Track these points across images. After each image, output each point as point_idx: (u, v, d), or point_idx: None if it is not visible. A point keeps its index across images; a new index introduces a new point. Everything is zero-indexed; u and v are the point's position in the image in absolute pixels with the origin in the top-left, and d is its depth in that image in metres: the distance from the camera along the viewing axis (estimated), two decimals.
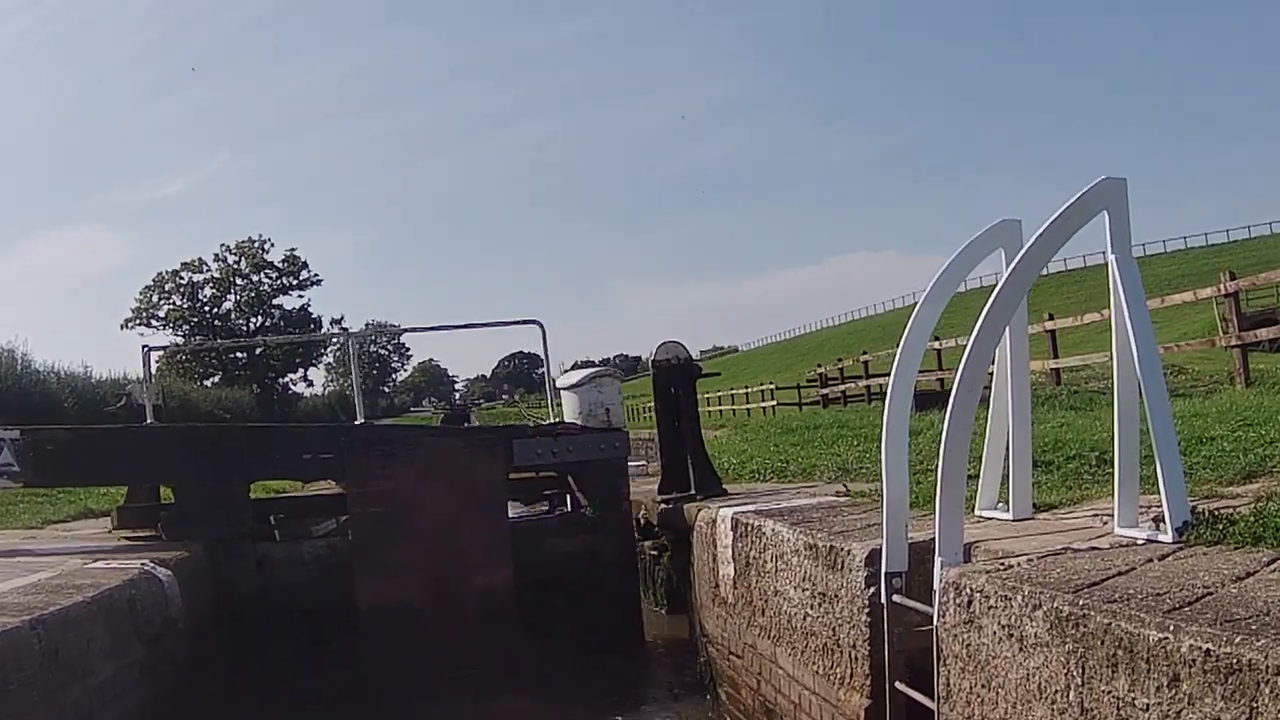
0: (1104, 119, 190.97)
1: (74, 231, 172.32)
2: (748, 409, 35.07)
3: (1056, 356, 15.59)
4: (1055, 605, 2.87)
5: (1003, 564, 3.43)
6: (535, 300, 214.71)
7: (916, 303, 4.26)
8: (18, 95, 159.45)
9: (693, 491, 8.42)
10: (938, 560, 3.52)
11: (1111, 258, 3.65)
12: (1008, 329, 3.98)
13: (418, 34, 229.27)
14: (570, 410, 9.17)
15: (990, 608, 3.15)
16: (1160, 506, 3.92)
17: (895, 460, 3.90)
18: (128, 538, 7.54)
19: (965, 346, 3.66)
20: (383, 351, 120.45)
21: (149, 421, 7.93)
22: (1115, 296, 3.66)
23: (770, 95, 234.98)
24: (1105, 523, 4.16)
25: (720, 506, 6.35)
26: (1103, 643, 2.69)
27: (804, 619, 4.66)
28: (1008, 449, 4.42)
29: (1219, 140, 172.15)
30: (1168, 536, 3.56)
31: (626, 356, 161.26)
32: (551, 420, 8.90)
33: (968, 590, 3.27)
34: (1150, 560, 3.30)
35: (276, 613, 7.13)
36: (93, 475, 8.05)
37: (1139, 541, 3.65)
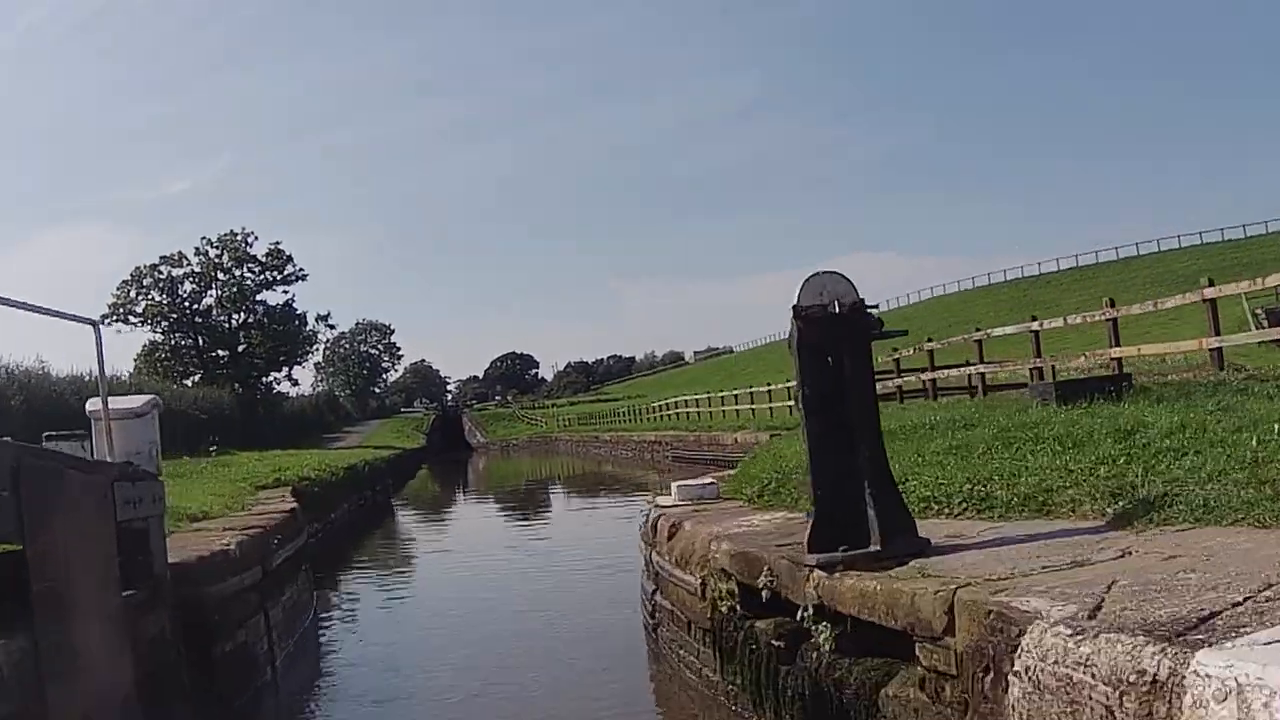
0: (1101, 118, 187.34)
1: (79, 229, 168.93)
2: (769, 408, 31.63)
3: (1219, 333, 12.02)
4: None
5: None
6: (535, 299, 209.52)
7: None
8: (22, 93, 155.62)
9: (875, 546, 4.62)
10: None
11: None
12: None
13: (417, 35, 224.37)
14: (121, 444, 6.99)
15: None
16: None
17: None
18: None
19: None
20: (373, 351, 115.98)
21: None
22: None
23: (769, 99, 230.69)
24: None
25: (1171, 655, 2.43)
26: None
27: None
28: None
29: (1222, 138, 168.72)
30: None
31: (620, 358, 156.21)
32: (116, 459, 6.58)
33: None
34: None
35: None
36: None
37: None
